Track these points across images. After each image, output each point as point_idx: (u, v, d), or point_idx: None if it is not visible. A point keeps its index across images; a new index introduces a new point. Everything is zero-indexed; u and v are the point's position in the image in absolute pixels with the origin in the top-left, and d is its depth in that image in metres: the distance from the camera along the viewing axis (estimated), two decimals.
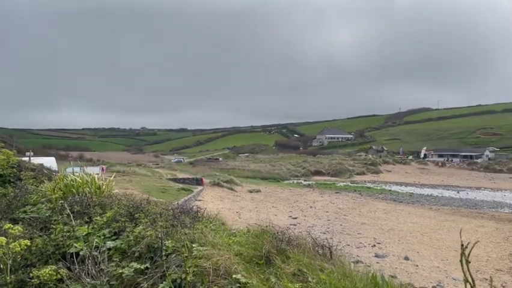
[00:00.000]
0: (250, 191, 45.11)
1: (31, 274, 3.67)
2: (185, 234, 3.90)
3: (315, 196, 44.77)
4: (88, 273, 3.71)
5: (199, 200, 30.60)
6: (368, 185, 65.33)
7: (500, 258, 18.88)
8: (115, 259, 3.92)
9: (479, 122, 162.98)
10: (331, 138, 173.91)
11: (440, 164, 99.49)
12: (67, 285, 3.64)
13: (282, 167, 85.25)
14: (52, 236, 4.46)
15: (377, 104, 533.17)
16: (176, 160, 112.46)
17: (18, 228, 3.72)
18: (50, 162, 21.20)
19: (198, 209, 5.36)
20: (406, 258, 18.33)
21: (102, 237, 4.30)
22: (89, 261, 3.81)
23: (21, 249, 3.51)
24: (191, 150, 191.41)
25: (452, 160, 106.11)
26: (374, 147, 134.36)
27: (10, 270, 3.52)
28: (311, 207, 35.55)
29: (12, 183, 7.09)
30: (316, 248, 3.96)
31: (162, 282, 3.34)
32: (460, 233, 2.07)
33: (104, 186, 6.37)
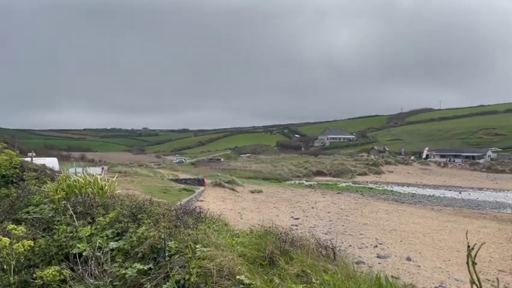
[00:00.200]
0: (252, 192, 45.11)
1: (34, 275, 3.67)
2: (189, 235, 3.89)
3: (316, 197, 44.74)
4: (91, 274, 3.71)
5: (201, 201, 30.60)
6: (370, 185, 65.27)
7: (503, 259, 18.82)
8: (118, 260, 3.91)
9: (482, 122, 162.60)
10: (333, 138, 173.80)
11: (442, 164, 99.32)
12: (70, 285, 3.63)
13: (284, 168, 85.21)
14: (55, 236, 4.46)
15: (379, 104, 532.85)
16: (178, 160, 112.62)
17: (21, 229, 3.72)
18: (52, 162, 21.19)
19: (201, 210, 5.35)
20: (408, 259, 18.30)
21: (105, 237, 4.30)
22: (92, 261, 3.81)
23: (24, 250, 3.51)
24: (193, 151, 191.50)
25: (454, 160, 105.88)
26: (375, 147, 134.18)
27: (13, 270, 3.52)
28: (313, 207, 35.52)
29: (15, 184, 7.09)
30: (320, 249, 3.94)
31: (166, 283, 3.33)
32: (466, 234, 2.05)
33: (106, 187, 6.36)
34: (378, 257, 18.73)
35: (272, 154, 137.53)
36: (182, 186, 37.56)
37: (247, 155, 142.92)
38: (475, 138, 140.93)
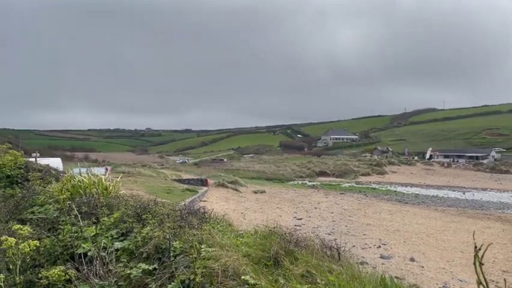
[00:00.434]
0: (255, 192, 45.10)
1: (40, 275, 3.68)
2: (194, 235, 3.90)
3: (319, 197, 44.68)
4: (96, 274, 3.72)
5: (204, 201, 30.62)
6: (373, 185, 65.13)
7: (507, 260, 18.74)
8: (123, 260, 3.93)
9: (485, 122, 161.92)
10: (336, 139, 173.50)
11: (445, 164, 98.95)
12: (75, 285, 3.65)
13: (287, 168, 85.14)
14: (60, 236, 4.48)
15: (382, 104, 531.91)
16: (181, 161, 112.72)
17: (27, 229, 3.73)
18: (56, 163, 21.29)
19: (205, 210, 5.36)
20: (412, 260, 18.24)
21: (110, 238, 4.31)
22: (97, 261, 3.83)
23: (30, 250, 3.53)
24: (196, 151, 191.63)
25: (457, 161, 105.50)
26: (379, 148, 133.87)
27: (19, 270, 3.53)
28: (316, 208, 35.48)
29: (19, 184, 7.14)
30: (325, 249, 3.94)
31: (171, 283, 3.34)
32: (473, 235, 2.05)
33: (111, 187, 6.39)
34: (382, 257, 18.68)
35: (275, 154, 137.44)
36: (186, 186, 37.60)
37: (250, 155, 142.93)
38: (478, 139, 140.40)
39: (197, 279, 3.20)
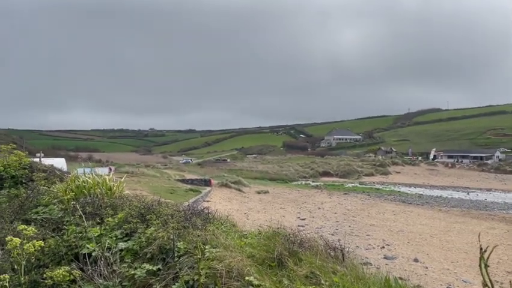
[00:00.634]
0: (258, 192, 45.12)
1: (44, 275, 3.69)
2: (198, 236, 3.91)
3: (323, 197, 44.64)
4: (101, 274, 3.74)
5: (207, 201, 30.66)
6: (377, 186, 64.99)
7: None
8: (127, 260, 3.94)
9: (490, 122, 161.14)
10: (339, 139, 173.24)
11: (449, 165, 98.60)
12: (79, 286, 3.66)
13: (290, 168, 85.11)
14: (65, 237, 4.50)
15: (386, 104, 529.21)
16: (184, 161, 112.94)
17: (31, 229, 3.74)
18: (60, 163, 21.38)
19: (209, 211, 5.36)
20: (416, 260, 18.19)
21: (114, 238, 4.32)
22: (102, 262, 3.84)
23: (34, 250, 3.54)
24: (199, 151, 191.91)
25: (462, 161, 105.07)
26: (382, 148, 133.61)
27: (24, 271, 3.54)
28: (319, 208, 35.45)
29: (24, 184, 7.16)
30: (329, 250, 3.93)
31: (175, 284, 3.35)
32: (479, 236, 2.04)
33: (115, 188, 6.40)
34: (386, 258, 18.64)
35: (278, 155, 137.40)
36: (189, 186, 37.67)
37: (254, 155, 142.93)
38: (483, 139, 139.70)
39: (201, 280, 3.20)
